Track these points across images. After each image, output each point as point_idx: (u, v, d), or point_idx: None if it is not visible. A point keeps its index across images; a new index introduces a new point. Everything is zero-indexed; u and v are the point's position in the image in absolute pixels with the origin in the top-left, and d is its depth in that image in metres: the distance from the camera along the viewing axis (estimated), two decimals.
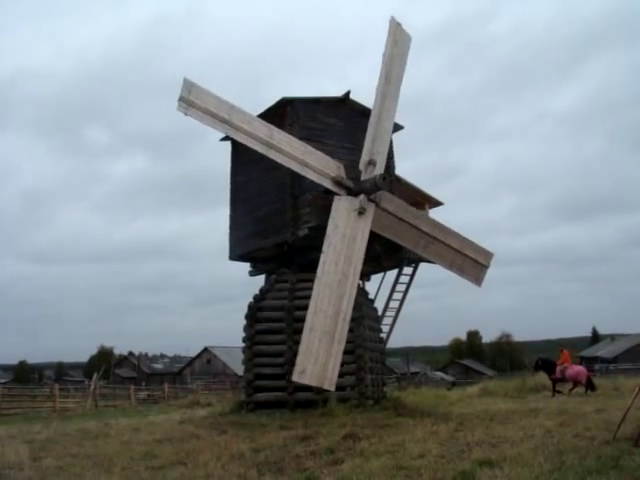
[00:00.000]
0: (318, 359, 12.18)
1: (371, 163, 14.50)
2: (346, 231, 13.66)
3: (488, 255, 16.24)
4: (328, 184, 14.17)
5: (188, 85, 12.77)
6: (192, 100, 12.68)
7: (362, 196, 14.09)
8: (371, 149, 14.67)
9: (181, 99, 12.65)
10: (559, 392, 19.63)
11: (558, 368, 20.05)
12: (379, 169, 14.55)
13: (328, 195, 14.29)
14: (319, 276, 13.00)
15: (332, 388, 12.38)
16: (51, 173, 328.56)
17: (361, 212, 13.96)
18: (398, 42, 15.72)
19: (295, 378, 12.16)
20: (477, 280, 16.06)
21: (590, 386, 19.69)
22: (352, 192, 14.17)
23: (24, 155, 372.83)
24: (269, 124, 13.91)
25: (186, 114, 12.65)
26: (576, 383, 19.87)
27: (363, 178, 14.33)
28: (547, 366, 20.75)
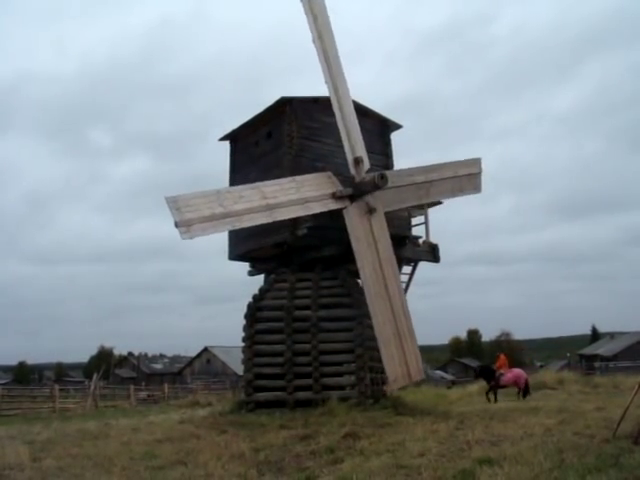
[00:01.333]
0: (401, 361, 13.41)
1: (358, 160, 14.37)
2: (368, 239, 13.89)
3: (476, 162, 16.67)
4: (332, 205, 13.90)
5: (173, 203, 11.57)
6: (189, 217, 11.57)
7: (365, 196, 14.09)
8: (351, 146, 14.49)
9: (177, 224, 11.39)
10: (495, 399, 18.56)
11: (497, 374, 19.25)
12: (366, 161, 14.56)
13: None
14: (368, 291, 13.61)
15: (420, 377, 14.08)
16: (53, 174, 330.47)
17: (372, 212, 14.05)
18: (317, 16, 14.86)
19: (393, 387, 13.78)
20: (476, 189, 16.64)
21: (525, 391, 18.87)
22: (354, 197, 14.13)
23: (27, 157, 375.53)
24: (254, 185, 13.14)
25: (192, 238, 11.56)
26: (519, 386, 19.04)
27: (358, 178, 14.26)
28: (486, 373, 19.85)
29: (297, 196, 13.37)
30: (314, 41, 14.62)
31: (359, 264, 13.67)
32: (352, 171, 14.31)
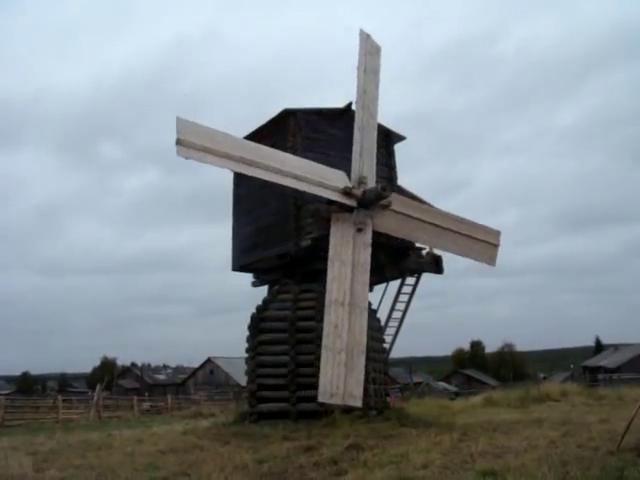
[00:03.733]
0: (338, 378, 12.28)
1: (362, 179, 14.42)
2: (347, 248, 13.71)
3: (497, 234, 16.61)
4: (338, 197, 14.05)
5: (182, 124, 12.00)
6: (192, 141, 12.02)
7: (360, 211, 14.10)
8: (360, 166, 14.58)
9: (178, 142, 11.81)
10: None
11: None
12: (371, 184, 14.51)
13: (331, 206, 14.27)
14: (329, 296, 13.25)
15: (354, 403, 12.32)
16: (64, 187, 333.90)
17: (360, 228, 13.99)
18: (370, 53, 15.73)
19: (319, 399, 12.20)
20: (491, 260, 16.44)
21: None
22: (360, 201, 14.16)
23: (39, 170, 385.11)
24: (268, 147, 13.69)
25: (187, 158, 11.99)
26: None
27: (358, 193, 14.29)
28: None
29: (307, 174, 13.65)
30: (357, 68, 15.31)
31: (329, 265, 13.48)
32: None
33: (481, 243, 16.11)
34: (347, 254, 13.65)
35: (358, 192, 14.14)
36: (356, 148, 14.63)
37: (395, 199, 14.81)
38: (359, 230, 13.94)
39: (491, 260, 16.42)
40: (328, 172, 14.21)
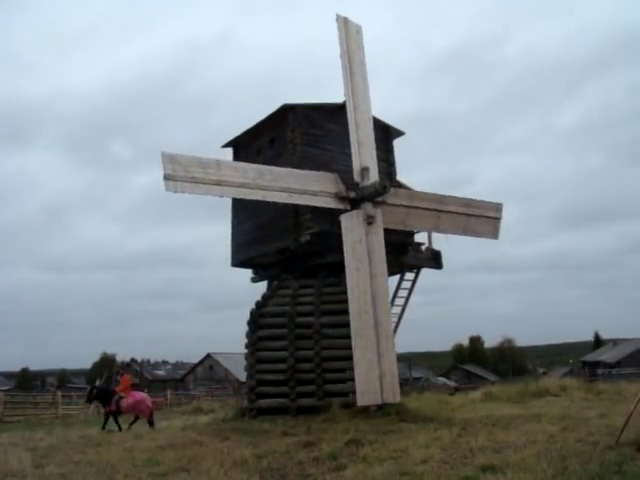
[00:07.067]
0: (374, 377, 12.85)
1: (364, 169, 14.38)
2: (362, 246, 13.71)
3: (498, 207, 16.47)
4: (332, 203, 14.02)
5: (168, 158, 11.93)
6: (180, 175, 11.95)
7: (366, 205, 14.09)
8: (359, 156, 14.48)
9: (166, 177, 11.78)
10: (120, 429, 15.73)
11: (114, 398, 16.07)
12: (374, 172, 14.50)
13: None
14: (351, 300, 13.34)
15: (394, 400, 13.12)
16: (73, 185, 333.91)
17: (370, 222, 13.98)
18: (350, 36, 15.35)
19: (359, 402, 12.83)
20: (493, 234, 16.38)
21: (150, 422, 16.07)
22: (356, 201, 14.14)
23: (49, 169, 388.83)
24: (256, 165, 13.58)
25: (176, 192, 11.90)
26: (137, 415, 16.28)
27: (361, 185, 14.29)
28: (102, 396, 16.57)
29: (297, 186, 13.52)
30: (341, 57, 14.90)
31: (347, 273, 13.50)
32: (357, 178, 14.33)
33: (484, 219, 16.07)
34: (363, 251, 13.71)
35: (351, 194, 14.10)
36: (353, 141, 14.49)
37: (394, 193, 14.80)
38: (369, 224, 13.97)
39: (494, 234, 16.38)
40: (319, 178, 14.10)
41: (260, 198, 13.13)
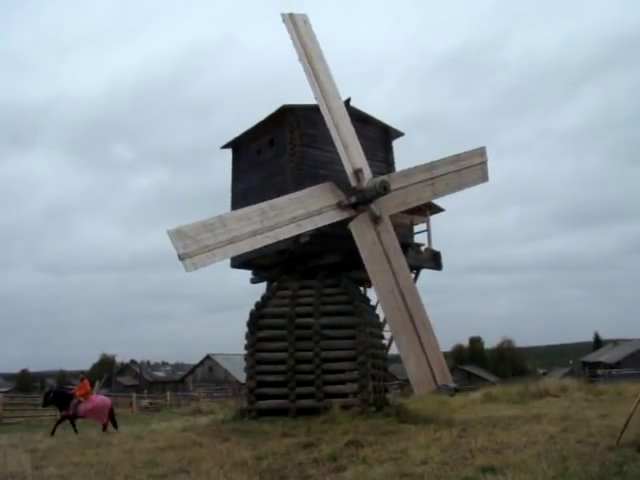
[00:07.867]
0: (423, 364, 13.45)
1: (357, 171, 14.34)
2: (377, 247, 13.90)
3: (482, 151, 16.66)
4: (338, 216, 13.93)
5: (175, 236, 11.53)
6: (192, 249, 11.61)
7: (369, 206, 14.08)
8: (349, 159, 14.41)
9: (181, 257, 11.45)
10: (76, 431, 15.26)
11: (73, 402, 15.53)
12: (366, 170, 14.51)
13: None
14: (383, 302, 13.81)
15: (446, 381, 14.55)
16: (74, 187, 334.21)
17: (377, 220, 14.02)
18: (301, 32, 14.96)
19: (418, 393, 13.76)
20: (483, 178, 16.64)
21: (113, 423, 15.78)
22: (358, 206, 14.12)
23: (50, 171, 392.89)
24: (256, 205, 13.08)
25: (197, 269, 11.60)
26: (100, 418, 15.81)
27: (359, 187, 14.25)
28: (60, 399, 15.98)
29: (302, 211, 13.35)
30: (300, 60, 14.65)
31: (373, 281, 13.80)
32: (353, 183, 14.28)
33: (472, 168, 16.25)
34: (379, 252, 13.86)
35: (353, 200, 14.06)
36: (338, 145, 14.38)
37: (390, 179, 14.80)
38: (376, 223, 14.03)
39: (483, 179, 16.61)
40: (318, 193, 13.96)
41: (274, 240, 12.88)
